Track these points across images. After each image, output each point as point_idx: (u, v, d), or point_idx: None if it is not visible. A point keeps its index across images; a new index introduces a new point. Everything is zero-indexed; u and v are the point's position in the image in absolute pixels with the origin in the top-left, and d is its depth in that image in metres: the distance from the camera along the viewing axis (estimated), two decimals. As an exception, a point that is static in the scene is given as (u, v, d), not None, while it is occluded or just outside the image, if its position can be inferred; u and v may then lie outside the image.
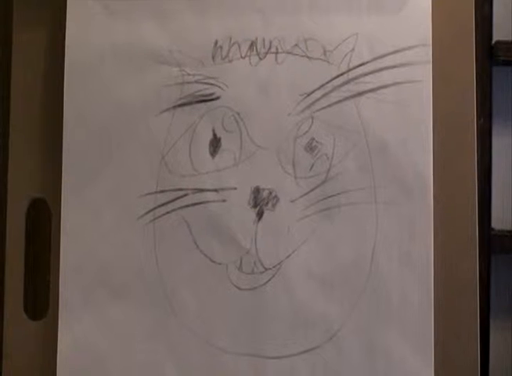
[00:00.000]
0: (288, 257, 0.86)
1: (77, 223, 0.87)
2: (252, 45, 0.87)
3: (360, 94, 0.87)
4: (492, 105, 1.10)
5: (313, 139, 0.87)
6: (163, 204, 0.87)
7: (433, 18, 0.87)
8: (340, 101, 0.87)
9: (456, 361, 0.86)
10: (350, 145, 0.87)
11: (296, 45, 0.87)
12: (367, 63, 0.87)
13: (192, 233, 0.87)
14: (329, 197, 0.87)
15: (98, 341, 0.87)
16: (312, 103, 0.87)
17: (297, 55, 0.87)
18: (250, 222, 0.86)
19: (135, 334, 0.87)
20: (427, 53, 0.87)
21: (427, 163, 0.86)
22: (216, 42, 0.88)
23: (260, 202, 0.86)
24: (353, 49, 0.87)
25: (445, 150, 0.87)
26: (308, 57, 0.87)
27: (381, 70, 0.87)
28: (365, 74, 0.87)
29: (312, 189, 0.87)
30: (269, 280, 0.86)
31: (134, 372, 0.87)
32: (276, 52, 0.87)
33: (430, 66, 0.87)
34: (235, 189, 0.87)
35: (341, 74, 0.87)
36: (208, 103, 0.87)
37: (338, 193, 0.87)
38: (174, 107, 0.87)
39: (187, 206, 0.87)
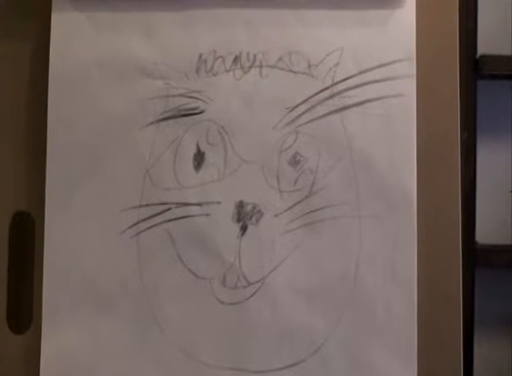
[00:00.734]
0: (272, 271, 0.86)
1: (61, 237, 0.87)
2: (236, 58, 0.87)
3: (345, 108, 0.87)
4: (476, 118, 1.10)
5: (297, 153, 0.87)
6: (147, 218, 0.87)
7: (417, 32, 0.87)
8: (324, 115, 0.87)
9: (439, 373, 0.86)
10: (334, 159, 0.87)
11: (280, 58, 0.87)
12: (352, 77, 0.87)
13: (176, 248, 0.87)
14: (314, 211, 0.86)
15: (81, 354, 0.87)
16: (297, 117, 0.87)
17: (281, 69, 0.87)
18: (233, 237, 0.86)
19: (119, 347, 0.86)
20: (412, 67, 0.87)
21: (411, 177, 0.86)
22: (201, 56, 0.88)
23: (244, 217, 0.86)
24: (338, 63, 0.87)
25: (429, 164, 0.87)
26: (292, 71, 0.87)
27: (366, 84, 0.87)
28: (350, 88, 0.87)
29: (296, 204, 0.87)
30: (253, 294, 0.86)
31: (118, 387, 0.86)
32: (260, 66, 0.87)
33: (414, 81, 0.87)
34: (219, 203, 0.87)
35: (326, 88, 0.87)
36: (192, 117, 0.87)
37: (322, 207, 0.86)
38: (159, 121, 0.87)
39: (171, 220, 0.87)
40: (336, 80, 0.87)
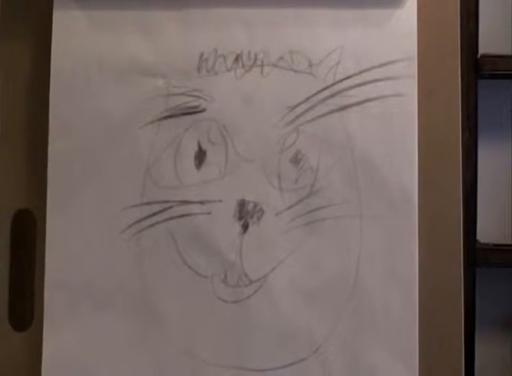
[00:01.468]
0: (273, 270, 0.86)
1: (62, 235, 0.87)
2: (237, 57, 0.88)
3: (345, 107, 0.87)
4: (477, 118, 1.10)
5: (299, 151, 0.87)
6: (148, 217, 0.87)
7: (418, 32, 0.88)
8: (325, 114, 0.87)
9: (441, 373, 0.86)
10: (335, 158, 0.87)
11: (281, 57, 0.87)
12: (352, 76, 0.87)
13: (177, 246, 0.87)
14: (314, 210, 0.87)
15: (82, 352, 0.87)
16: (298, 116, 0.87)
17: (282, 68, 0.87)
18: (235, 235, 0.86)
19: (119, 345, 0.87)
20: (412, 67, 0.87)
21: (412, 177, 0.86)
22: (202, 55, 0.88)
23: (245, 215, 0.86)
24: (338, 63, 0.87)
25: (430, 163, 0.87)
26: (293, 70, 0.87)
27: (366, 83, 0.87)
28: (351, 88, 0.87)
29: (297, 202, 0.87)
30: (254, 292, 0.86)
31: (118, 384, 0.87)
32: (262, 65, 0.87)
33: (415, 80, 0.87)
34: (220, 201, 0.87)
35: (327, 88, 0.87)
36: (194, 116, 0.87)
37: (323, 207, 0.87)
38: (160, 119, 0.87)
39: (172, 218, 0.87)
40: (336, 79, 0.87)
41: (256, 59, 0.88)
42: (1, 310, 0.88)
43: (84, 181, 0.88)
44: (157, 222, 0.87)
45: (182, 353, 0.86)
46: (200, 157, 0.87)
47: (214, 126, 0.87)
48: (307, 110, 0.87)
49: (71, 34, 0.89)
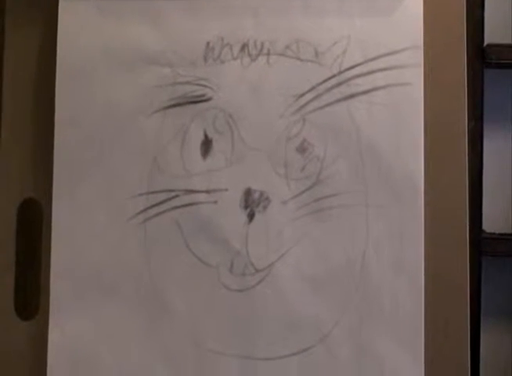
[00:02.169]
0: (279, 259, 0.86)
1: (68, 223, 0.87)
2: (244, 46, 0.87)
3: (352, 96, 0.87)
4: (483, 107, 1.10)
5: (305, 140, 0.87)
6: (154, 205, 0.87)
7: (424, 21, 0.87)
8: (331, 103, 0.87)
9: (446, 363, 0.86)
10: (341, 147, 0.87)
11: (287, 46, 0.87)
12: (359, 65, 0.87)
13: (183, 234, 0.87)
14: (321, 198, 0.87)
15: (88, 341, 0.87)
16: (304, 105, 0.87)
17: (288, 57, 0.87)
18: (241, 224, 0.86)
19: (126, 334, 0.87)
20: (419, 56, 0.87)
21: (418, 166, 0.86)
22: (208, 43, 0.88)
23: (251, 203, 0.86)
24: (345, 51, 0.87)
25: (436, 152, 0.87)
26: (299, 59, 0.87)
27: (373, 72, 0.87)
28: (357, 76, 0.87)
29: (303, 191, 0.87)
30: (260, 281, 0.86)
31: (124, 372, 0.87)
32: (268, 54, 0.87)
33: (421, 69, 0.87)
34: (226, 190, 0.87)
35: (333, 76, 0.87)
36: (200, 105, 0.87)
37: (329, 196, 0.87)
38: (166, 108, 0.87)
39: (178, 207, 0.87)
40: (343, 68, 0.87)
41: (262, 47, 0.87)
42: (7, 299, 0.88)
43: (90, 170, 0.88)
44: (163, 211, 0.87)
45: (188, 342, 0.86)
46: (206, 145, 0.87)
47: (220, 115, 0.87)
48: (313, 99, 0.87)
49: (77, 23, 0.89)
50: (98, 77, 0.88)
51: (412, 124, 0.87)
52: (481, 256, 1.08)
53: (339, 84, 0.87)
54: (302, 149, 0.87)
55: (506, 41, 1.13)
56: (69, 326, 0.87)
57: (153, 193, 0.87)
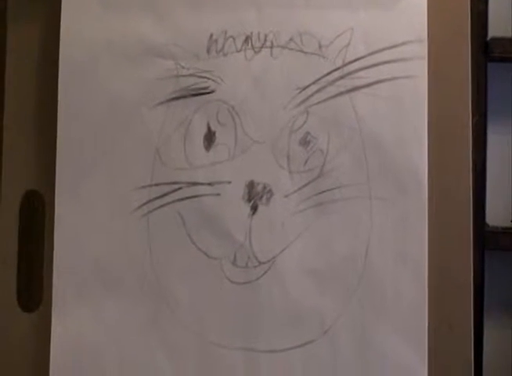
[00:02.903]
0: (282, 251, 0.86)
1: (71, 216, 0.87)
2: (247, 39, 0.87)
3: (355, 89, 0.87)
4: (487, 101, 1.10)
5: (308, 133, 0.87)
6: (157, 198, 0.87)
7: (428, 14, 0.87)
8: (335, 96, 0.87)
9: (449, 356, 0.86)
10: (345, 140, 0.87)
11: (291, 39, 0.87)
12: (362, 58, 0.87)
13: (186, 227, 0.87)
14: (324, 191, 0.86)
15: (91, 333, 0.87)
16: (307, 98, 0.87)
17: (292, 49, 0.87)
18: (244, 217, 0.86)
19: (129, 326, 0.87)
20: (423, 49, 0.87)
21: (421, 159, 0.86)
22: (211, 36, 0.87)
23: (254, 196, 0.86)
24: (348, 44, 0.87)
25: (439, 146, 0.87)
26: (303, 52, 0.87)
27: (376, 65, 0.87)
28: (361, 69, 0.87)
29: (306, 184, 0.87)
30: (263, 274, 0.86)
31: (127, 364, 0.87)
32: (271, 47, 0.87)
33: (425, 62, 0.87)
34: (229, 183, 0.87)
35: (336, 69, 0.87)
36: (203, 97, 0.87)
37: (332, 188, 0.86)
38: (169, 101, 0.87)
39: (181, 199, 0.87)
40: (346, 61, 0.87)
41: (266, 40, 0.87)
42: (10, 291, 0.88)
43: (93, 163, 0.88)
44: (166, 204, 0.87)
45: (191, 334, 0.86)
46: (210, 138, 0.87)
47: (223, 107, 0.87)
48: (316, 92, 0.87)
49: (80, 16, 0.88)
50: (101, 70, 0.88)
51: (415, 117, 0.87)
52: (484, 250, 1.08)
53: (342, 76, 0.87)
54: (305, 142, 0.87)
55: (510, 34, 1.13)
56: (71, 318, 0.87)
57: (156, 185, 0.87)
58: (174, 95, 0.87)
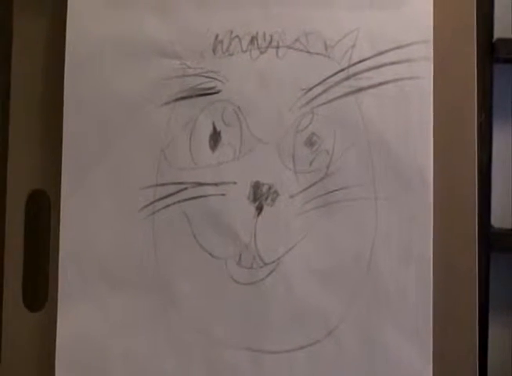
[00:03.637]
0: (287, 252, 0.86)
1: (76, 215, 0.87)
2: (253, 39, 0.87)
3: (361, 90, 0.87)
4: (492, 102, 1.10)
5: (313, 133, 0.87)
6: (163, 198, 0.87)
7: (434, 15, 0.87)
8: (340, 96, 0.87)
9: (454, 357, 0.86)
10: (350, 140, 0.87)
11: (297, 39, 0.87)
12: (368, 58, 0.87)
13: (191, 227, 0.87)
14: (329, 192, 0.86)
15: (97, 332, 0.87)
16: (313, 98, 0.87)
17: (297, 49, 0.87)
18: (249, 217, 0.86)
19: (134, 325, 0.87)
20: (428, 50, 0.87)
21: (427, 159, 0.86)
22: (217, 36, 0.87)
23: (259, 197, 0.86)
24: (354, 45, 0.87)
25: (445, 146, 0.87)
26: (308, 52, 0.87)
27: (382, 66, 0.87)
28: (366, 70, 0.87)
29: (312, 185, 0.86)
30: (268, 274, 0.86)
31: (133, 363, 0.87)
32: (277, 47, 0.87)
33: (431, 63, 0.87)
34: (234, 183, 0.87)
35: (342, 70, 0.87)
36: (209, 97, 0.87)
37: (338, 189, 0.86)
38: (175, 100, 0.87)
39: (187, 200, 0.87)
40: (352, 61, 0.87)
41: (271, 40, 0.87)
42: (15, 290, 0.88)
43: (98, 162, 0.88)
44: (172, 204, 0.87)
45: (196, 334, 0.86)
46: (215, 138, 0.87)
47: (229, 107, 0.87)
48: (322, 93, 0.87)
49: (87, 13, 0.88)
50: (107, 68, 0.88)
51: (421, 118, 0.86)
52: (489, 251, 1.08)
53: (348, 77, 0.87)
54: (311, 142, 0.87)
55: (516, 36, 1.14)
56: (77, 316, 0.87)
57: (161, 185, 0.87)
58: (180, 95, 0.87)
